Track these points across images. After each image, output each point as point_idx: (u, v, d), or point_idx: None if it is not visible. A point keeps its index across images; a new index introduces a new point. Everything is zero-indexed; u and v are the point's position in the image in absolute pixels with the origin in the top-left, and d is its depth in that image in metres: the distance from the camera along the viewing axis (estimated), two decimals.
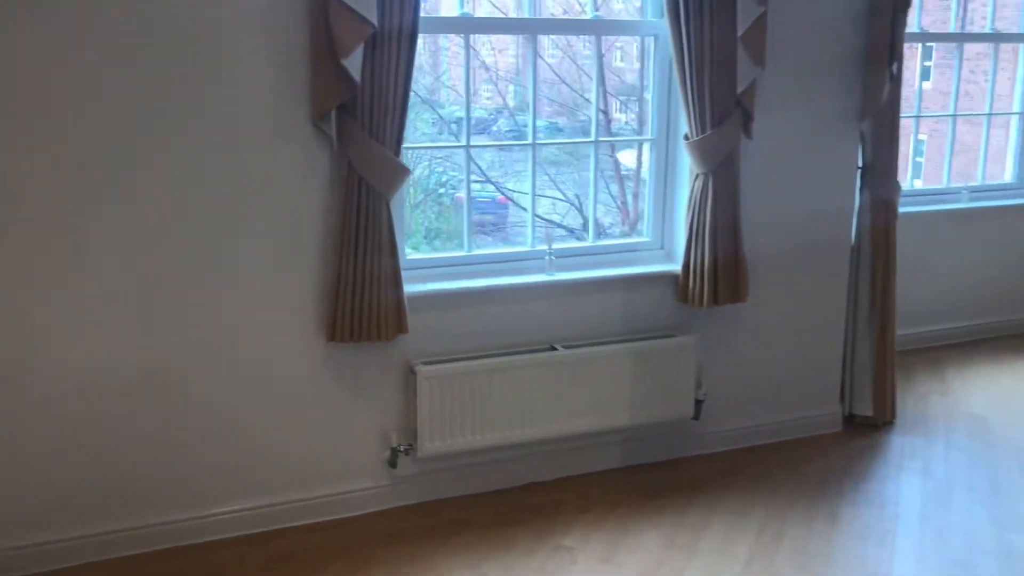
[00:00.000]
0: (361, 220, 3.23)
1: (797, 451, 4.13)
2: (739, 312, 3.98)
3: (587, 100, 6.72)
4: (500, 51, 6.51)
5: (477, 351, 3.60)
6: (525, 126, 7.09)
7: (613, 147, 6.69)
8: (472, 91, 6.28)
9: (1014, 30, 5.79)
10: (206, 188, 3.14)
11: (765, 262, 3.99)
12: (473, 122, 6.76)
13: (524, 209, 6.64)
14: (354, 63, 3.07)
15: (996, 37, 5.62)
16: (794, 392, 4.23)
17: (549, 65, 6.52)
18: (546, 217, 6.31)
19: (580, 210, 6.54)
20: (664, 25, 3.69)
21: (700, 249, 3.75)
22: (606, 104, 6.55)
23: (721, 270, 3.77)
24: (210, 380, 3.27)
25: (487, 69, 6.56)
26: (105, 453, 3.18)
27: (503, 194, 6.43)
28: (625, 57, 6.89)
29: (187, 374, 3.23)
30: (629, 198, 6.51)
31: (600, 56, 3.83)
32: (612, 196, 6.63)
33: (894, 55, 3.96)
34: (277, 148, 3.20)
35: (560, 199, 6.73)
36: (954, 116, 5.57)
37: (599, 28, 3.78)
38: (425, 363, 3.49)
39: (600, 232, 6.58)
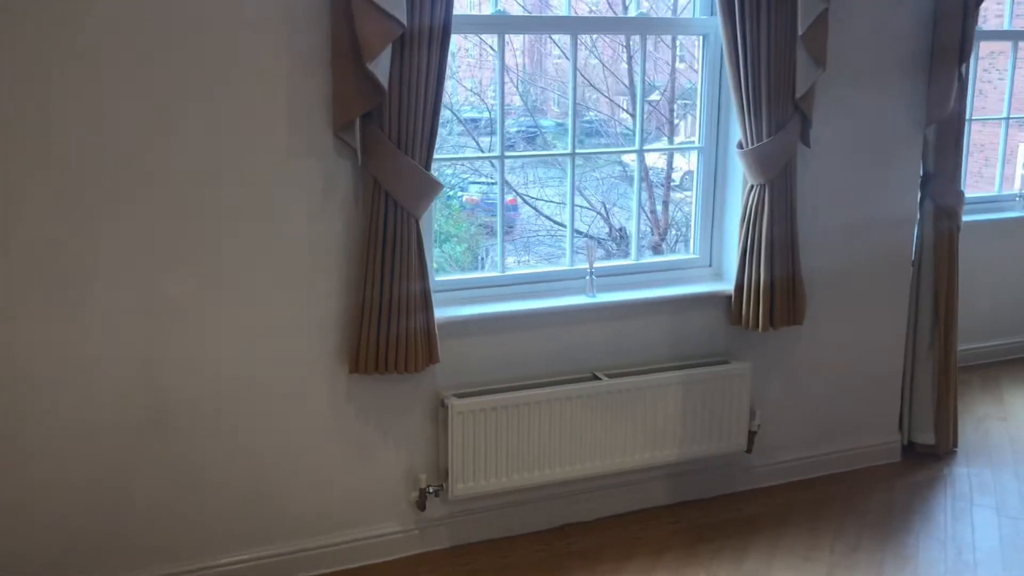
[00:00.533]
0: (388, 240, 2.92)
1: (856, 484, 3.81)
2: (794, 335, 3.66)
3: (615, 100, 6.41)
4: (507, 50, 6.18)
5: (513, 381, 3.29)
6: (533, 128, 6.79)
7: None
8: (472, 91, 5.97)
9: None
10: (216, 207, 2.83)
11: (821, 280, 3.67)
12: (482, 123, 6.47)
13: (559, 224, 6.33)
14: (381, 67, 2.76)
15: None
16: (851, 420, 3.90)
17: (566, 63, 6.20)
18: (580, 230, 6.00)
19: (606, 219, 6.22)
20: (715, 23, 3.37)
21: (755, 267, 3.44)
22: (634, 107, 6.22)
23: (778, 290, 3.45)
24: (222, 418, 2.96)
25: (490, 68, 6.23)
26: (107, 500, 2.87)
27: (528, 203, 6.11)
28: (649, 58, 6.56)
29: (196, 411, 2.92)
30: (659, 206, 6.19)
31: (644, 57, 3.50)
32: (639, 203, 6.29)
33: (964, 56, 3.64)
34: (295, 163, 2.89)
35: (585, 206, 6.41)
36: (1007, 119, 5.24)
37: (644, 27, 3.46)
38: (457, 395, 3.18)
39: (630, 241, 6.30)
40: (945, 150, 3.85)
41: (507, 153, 3.36)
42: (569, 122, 3.47)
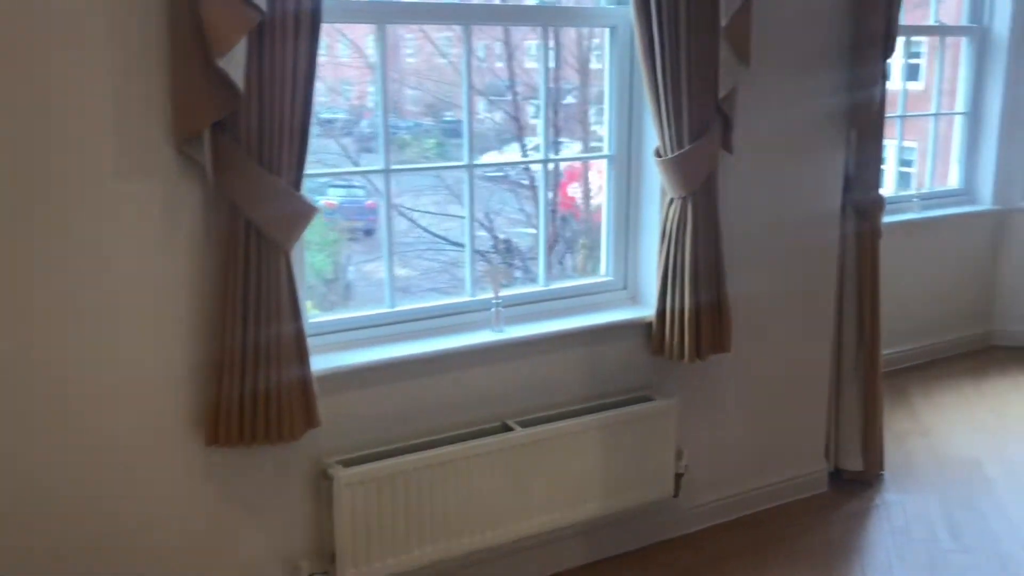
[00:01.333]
0: (251, 277, 2.34)
1: (788, 521, 3.46)
2: (718, 363, 3.27)
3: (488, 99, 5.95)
4: (357, 43, 5.63)
5: (410, 439, 2.76)
6: (395, 128, 6.25)
7: (523, 152, 5.94)
8: (325, 88, 5.39)
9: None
10: (26, 246, 2.18)
11: (744, 299, 3.29)
12: (338, 124, 5.89)
13: (439, 237, 5.80)
14: (235, 63, 2.18)
15: (941, 30, 5.16)
16: (778, 451, 3.56)
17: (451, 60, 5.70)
18: (461, 243, 5.49)
19: (490, 230, 5.74)
20: (626, 13, 2.94)
21: (679, 291, 3.03)
22: (516, 108, 5.77)
23: (704, 315, 3.05)
24: (82, 496, 2.30)
25: (350, 65, 5.66)
26: None
27: (405, 216, 5.56)
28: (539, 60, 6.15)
29: (19, 498, 2.26)
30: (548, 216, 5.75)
31: (546, 52, 3.04)
32: (523, 210, 5.85)
33: (888, 50, 3.34)
34: (125, 186, 2.26)
35: (461, 216, 5.91)
36: (902, 117, 5.07)
37: (546, 17, 3.00)
38: (343, 463, 2.62)
39: (516, 255, 5.84)
40: (866, 150, 3.56)
41: (393, 166, 2.82)
42: (464, 129, 2.96)
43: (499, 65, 6.00)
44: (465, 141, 2.97)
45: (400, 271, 5.71)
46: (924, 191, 5.23)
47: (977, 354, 5.26)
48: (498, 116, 6.10)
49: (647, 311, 3.14)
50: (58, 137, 2.17)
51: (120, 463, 2.38)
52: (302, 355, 2.46)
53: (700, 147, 2.93)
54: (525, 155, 5.66)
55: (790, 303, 3.47)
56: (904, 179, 5.75)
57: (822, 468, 3.71)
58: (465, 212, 3.08)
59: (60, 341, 2.25)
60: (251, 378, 2.39)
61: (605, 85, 3.16)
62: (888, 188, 5.16)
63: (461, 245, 6.00)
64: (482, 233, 5.84)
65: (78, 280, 2.25)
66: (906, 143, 5.51)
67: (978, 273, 5.31)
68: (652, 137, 3.03)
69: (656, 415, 3.08)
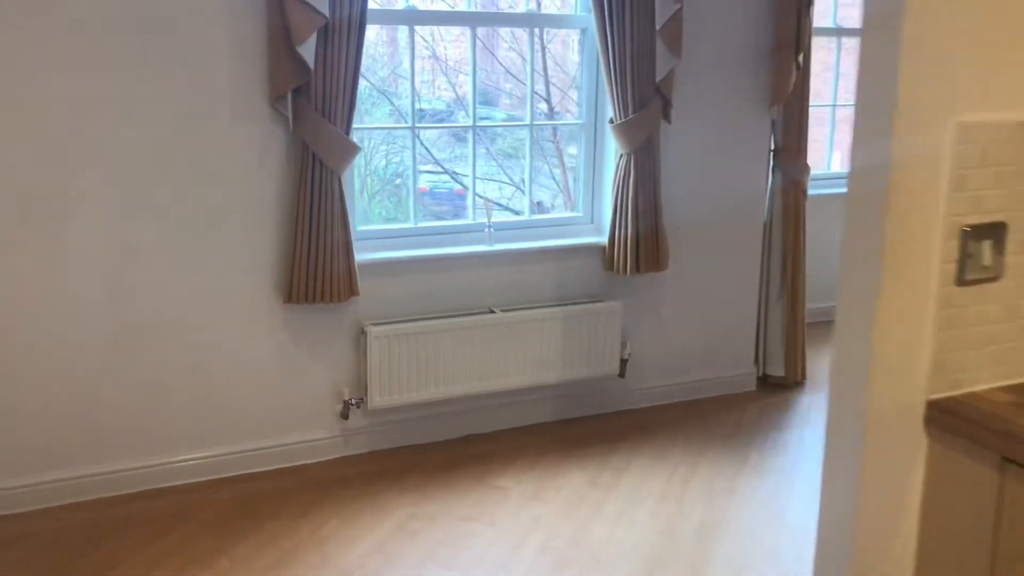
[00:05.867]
0: (315, 194, 3.59)
1: (714, 407, 4.56)
2: (661, 280, 4.39)
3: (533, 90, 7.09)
4: (453, 42, 6.88)
5: (422, 314, 3.98)
6: (484, 118, 7.47)
7: (556, 136, 7.10)
8: (427, 82, 6.66)
9: None
10: (171, 166, 3.48)
11: (686, 236, 4.40)
12: (431, 114, 7.13)
13: (465, 187, 6.99)
14: (308, 50, 3.42)
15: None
16: (713, 354, 4.66)
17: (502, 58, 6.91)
18: (491, 198, 6.69)
19: (528, 194, 6.93)
20: (592, 19, 4.08)
21: (624, 223, 4.16)
22: (548, 94, 6.93)
23: (643, 242, 4.18)
24: (178, 340, 3.61)
25: (437, 60, 6.91)
26: (84, 404, 3.51)
27: (447, 172, 6.79)
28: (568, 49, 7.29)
29: (157, 333, 3.57)
30: (571, 183, 6.92)
31: (532, 47, 4.20)
32: (556, 181, 7.02)
33: (799, 48, 4.40)
34: (238, 128, 3.54)
35: (506, 182, 7.13)
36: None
37: (532, 21, 4.17)
38: (374, 324, 3.85)
39: (542, 210, 7.02)
40: (790, 128, 4.62)
41: (418, 124, 4.04)
42: (470, 102, 4.16)
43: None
44: (471, 107, 4.16)
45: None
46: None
47: None
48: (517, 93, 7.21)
49: (604, 238, 4.28)
50: (198, 96, 3.45)
51: (230, 317, 3.67)
52: (348, 248, 3.70)
53: (640, 116, 4.06)
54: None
55: (724, 237, 4.55)
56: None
57: (751, 372, 4.78)
58: (470, 159, 4.25)
59: (189, 232, 3.54)
60: (314, 260, 3.64)
61: (578, 71, 4.31)
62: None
63: (493, 200, 7.09)
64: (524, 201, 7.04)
65: (205, 191, 3.54)
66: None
67: None
68: (610, 109, 4.16)
69: (604, 312, 4.23)
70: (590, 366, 4.25)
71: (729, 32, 4.34)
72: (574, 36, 4.39)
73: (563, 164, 7.04)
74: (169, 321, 3.58)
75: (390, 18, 3.94)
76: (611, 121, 4.13)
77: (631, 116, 4.05)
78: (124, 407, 3.57)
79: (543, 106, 7.52)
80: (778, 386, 4.82)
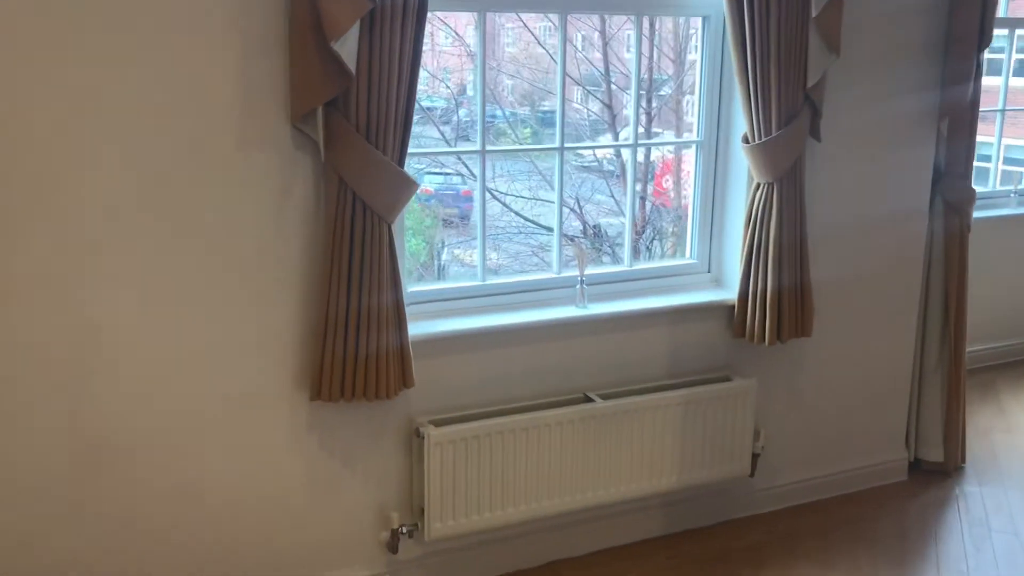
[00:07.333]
0: (355, 247, 2.53)
1: (864, 507, 3.51)
2: (799, 347, 3.34)
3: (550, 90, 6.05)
4: (457, 34, 5.80)
5: (496, 405, 2.92)
6: (489, 117, 6.41)
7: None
8: (424, 77, 5.58)
9: None
10: (154, 209, 2.41)
11: (828, 286, 3.34)
12: (437, 112, 6.08)
13: (530, 221, 5.95)
14: (347, 47, 2.36)
15: None
16: (856, 437, 3.61)
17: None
18: (571, 235, 5.62)
19: (580, 216, 5.87)
20: (718, 3, 3.03)
21: (762, 274, 3.11)
22: (609, 97, 5.88)
23: (786, 299, 3.13)
24: (166, 454, 2.54)
25: (437, 53, 5.83)
26: (43, 553, 2.44)
27: (498, 200, 5.73)
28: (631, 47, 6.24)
29: (137, 448, 2.50)
30: (636, 202, 5.85)
31: (639, 40, 3.15)
32: (615, 198, 5.96)
33: (983, 42, 3.34)
34: (246, 158, 2.47)
35: (551, 201, 6.05)
36: (1002, 111, 4.99)
37: (641, 6, 3.11)
38: (433, 423, 2.80)
39: (605, 240, 5.95)
40: (958, 143, 3.57)
41: (488, 148, 2.98)
42: (558, 113, 3.10)
43: (596, 55, 6.11)
44: (558, 123, 3.10)
45: (491, 254, 5.89)
46: (1022, 187, 5.13)
47: None
48: (594, 106, 6.21)
49: (730, 294, 3.23)
50: (190, 114, 2.39)
51: (235, 422, 2.60)
52: (400, 321, 2.64)
53: (787, 134, 3.00)
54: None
55: (875, 291, 3.50)
56: (1007, 176, 5.64)
57: (903, 457, 3.73)
58: (555, 194, 3.20)
59: (177, 301, 2.48)
60: (353, 340, 2.58)
61: (697, 73, 3.25)
62: (990, 184, 5.10)
63: (551, 229, 6.16)
64: (575, 223, 5.99)
65: (202, 243, 2.47)
66: (1008, 140, 5.40)
67: None
68: (740, 124, 3.11)
69: (735, 394, 3.17)
70: (715, 465, 3.19)
71: (889, 22, 3.28)
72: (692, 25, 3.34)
73: (624, 176, 5.97)
74: (152, 431, 2.52)
75: (457, 2, 2.87)
76: (745, 140, 3.08)
77: (777, 133, 2.99)
78: (95, 552, 2.50)
79: (593, 107, 6.47)
80: (934, 473, 3.76)
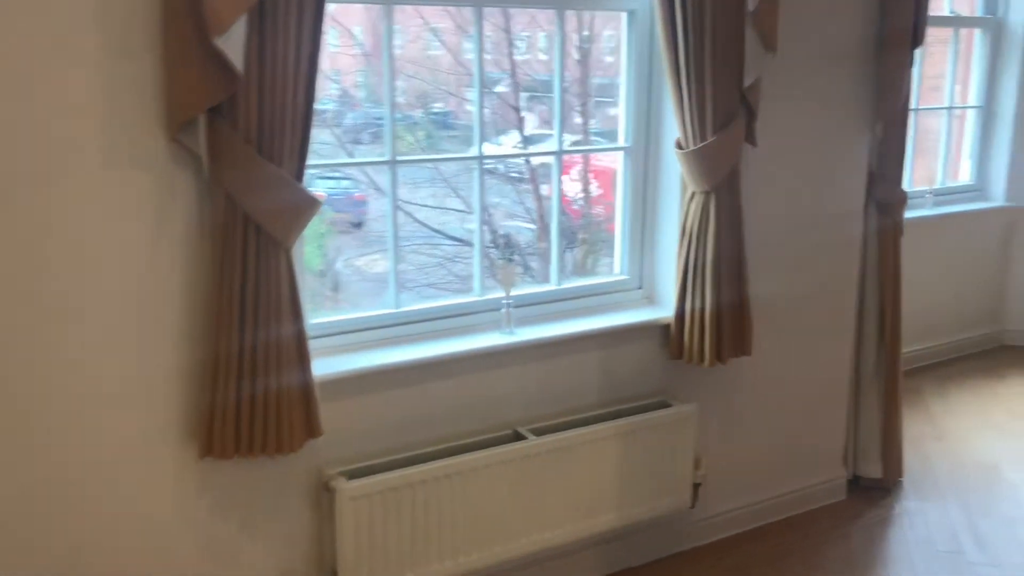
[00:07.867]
0: (249, 276, 2.16)
1: (809, 530, 3.32)
2: (737, 367, 3.11)
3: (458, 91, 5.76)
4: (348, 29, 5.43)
5: (417, 448, 2.59)
6: (378, 120, 6.06)
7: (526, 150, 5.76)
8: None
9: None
10: (7, 242, 2.00)
11: (763, 300, 3.12)
12: (328, 115, 5.70)
13: (435, 231, 5.60)
14: (233, 43, 2.00)
15: (956, 21, 5.01)
16: (796, 458, 3.41)
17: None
18: (459, 237, 5.28)
19: (489, 226, 5.56)
20: None
21: (699, 291, 2.86)
22: (517, 100, 5.59)
23: (726, 316, 2.89)
24: (28, 528, 2.12)
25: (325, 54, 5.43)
26: None
27: (403, 211, 5.36)
28: (531, 48, 5.96)
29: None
30: (548, 214, 5.58)
31: (562, 37, 2.86)
32: (526, 208, 5.67)
33: (917, 39, 3.19)
34: (114, 176, 2.08)
35: (462, 210, 5.73)
36: (915, 110, 4.91)
37: (562, 0, 2.82)
38: (346, 475, 2.45)
39: (516, 250, 5.65)
40: (892, 146, 3.41)
41: (398, 158, 2.65)
42: (475, 121, 2.79)
43: (492, 57, 5.82)
44: (476, 131, 2.80)
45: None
46: (936, 187, 5.08)
47: (989, 354, 5.14)
48: (492, 107, 5.92)
49: (665, 312, 2.98)
50: (44, 127, 1.98)
51: (105, 476, 2.20)
52: (303, 359, 2.28)
53: (724, 138, 2.77)
54: (523, 147, 5.47)
55: (812, 302, 3.32)
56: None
57: (841, 475, 3.56)
58: (475, 207, 2.90)
59: (40, 344, 2.06)
60: (248, 384, 2.21)
61: (622, 73, 2.99)
62: (905, 185, 5.01)
63: (458, 240, 5.83)
64: (471, 226, 5.68)
65: (60, 278, 2.06)
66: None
67: (990, 271, 5.19)
68: (671, 128, 2.86)
69: (674, 422, 2.92)
70: (655, 499, 2.94)
71: (822, 19, 3.09)
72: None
73: (536, 185, 5.70)
74: (15, 502, 2.09)
75: None
76: (679, 145, 2.83)
77: (713, 137, 2.75)
78: None
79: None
80: (873, 490, 3.61)
